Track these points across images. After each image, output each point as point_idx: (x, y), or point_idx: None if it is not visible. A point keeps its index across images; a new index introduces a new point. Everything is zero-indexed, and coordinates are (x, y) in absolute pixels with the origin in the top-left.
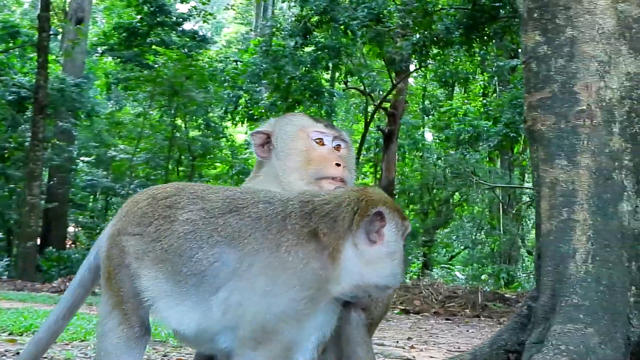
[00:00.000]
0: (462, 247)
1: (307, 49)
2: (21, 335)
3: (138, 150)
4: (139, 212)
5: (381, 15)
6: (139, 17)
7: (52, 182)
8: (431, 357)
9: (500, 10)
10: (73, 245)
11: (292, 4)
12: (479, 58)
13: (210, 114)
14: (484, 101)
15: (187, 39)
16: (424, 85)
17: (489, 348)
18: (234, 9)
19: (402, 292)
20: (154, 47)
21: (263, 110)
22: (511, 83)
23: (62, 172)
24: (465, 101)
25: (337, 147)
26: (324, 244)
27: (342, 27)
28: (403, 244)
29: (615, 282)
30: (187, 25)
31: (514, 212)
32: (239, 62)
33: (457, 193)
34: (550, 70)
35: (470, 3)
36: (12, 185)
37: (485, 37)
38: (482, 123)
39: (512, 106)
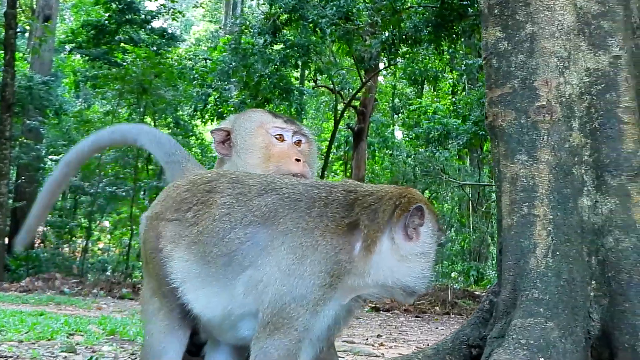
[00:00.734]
0: None
1: (277, 47)
2: None
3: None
4: (178, 197)
5: (350, 13)
6: (107, 14)
7: (20, 181)
8: (400, 354)
9: (469, 9)
10: (42, 245)
11: (261, 1)
12: (447, 56)
13: (180, 112)
14: (453, 99)
15: (156, 37)
16: (393, 84)
17: (451, 343)
18: (203, 7)
19: None
20: (122, 45)
21: (232, 108)
22: (480, 81)
23: (30, 170)
24: (435, 99)
25: (298, 142)
26: (362, 236)
27: (311, 25)
28: (435, 251)
29: (575, 277)
30: (155, 23)
31: (483, 209)
32: (208, 60)
33: (426, 191)
34: (511, 66)
35: (438, 1)
36: None
37: (454, 36)
38: (451, 121)
39: (480, 104)
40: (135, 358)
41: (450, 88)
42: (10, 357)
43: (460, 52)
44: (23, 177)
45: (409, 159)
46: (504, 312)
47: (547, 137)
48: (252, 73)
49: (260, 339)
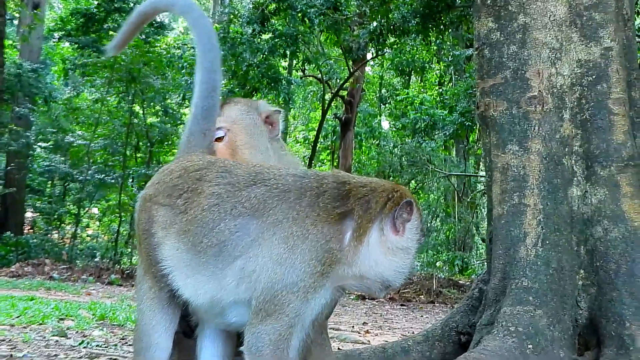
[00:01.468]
0: None
1: (265, 37)
2: None
3: (96, 136)
4: (170, 183)
5: (338, 4)
6: (96, 2)
7: (9, 168)
8: (386, 341)
9: (457, 0)
10: (31, 231)
11: None
12: (435, 47)
13: (168, 101)
14: (440, 90)
15: (145, 26)
16: (380, 74)
17: (441, 330)
18: None
19: None
20: (111, 33)
21: (221, 97)
22: (467, 72)
23: (20, 157)
24: (422, 90)
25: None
26: (353, 226)
27: (299, 14)
28: (416, 249)
29: (564, 266)
30: None
31: (468, 200)
32: None
33: (413, 181)
34: (503, 57)
35: None
36: None
37: (442, 27)
38: (438, 112)
39: (467, 95)
40: (125, 342)
41: (437, 79)
42: (2, 340)
43: (448, 43)
44: (12, 164)
45: (396, 149)
46: (494, 300)
47: (538, 128)
48: (241, 62)
49: (253, 324)
